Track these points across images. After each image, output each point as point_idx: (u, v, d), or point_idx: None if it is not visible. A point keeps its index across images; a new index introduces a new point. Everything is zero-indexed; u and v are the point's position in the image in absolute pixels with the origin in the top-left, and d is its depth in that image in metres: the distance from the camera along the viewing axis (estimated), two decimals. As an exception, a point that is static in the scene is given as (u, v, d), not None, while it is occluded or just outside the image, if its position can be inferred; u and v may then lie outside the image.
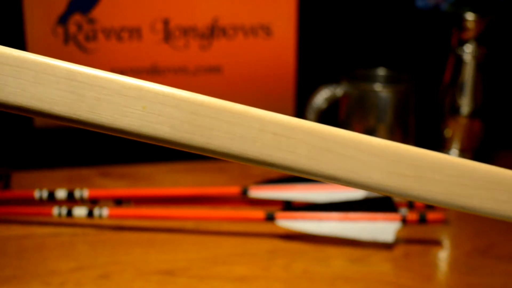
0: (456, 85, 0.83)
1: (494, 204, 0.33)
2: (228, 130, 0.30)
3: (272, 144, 0.31)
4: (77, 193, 0.70)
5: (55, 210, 0.69)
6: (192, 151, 0.30)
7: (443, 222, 0.69)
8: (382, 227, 0.66)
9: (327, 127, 0.31)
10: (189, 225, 0.71)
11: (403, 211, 0.68)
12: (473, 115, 0.83)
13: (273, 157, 0.31)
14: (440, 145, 0.86)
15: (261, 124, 0.31)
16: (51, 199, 0.71)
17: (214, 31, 0.84)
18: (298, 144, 0.31)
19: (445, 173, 0.32)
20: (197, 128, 0.30)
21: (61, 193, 0.71)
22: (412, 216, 0.67)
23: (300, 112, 0.87)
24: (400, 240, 0.69)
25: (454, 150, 0.85)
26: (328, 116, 0.82)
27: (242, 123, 0.30)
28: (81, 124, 0.29)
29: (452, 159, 0.33)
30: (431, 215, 0.67)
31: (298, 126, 0.31)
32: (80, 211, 0.69)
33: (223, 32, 0.84)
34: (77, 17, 0.80)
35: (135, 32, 0.82)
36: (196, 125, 0.30)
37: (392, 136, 0.82)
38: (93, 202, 0.71)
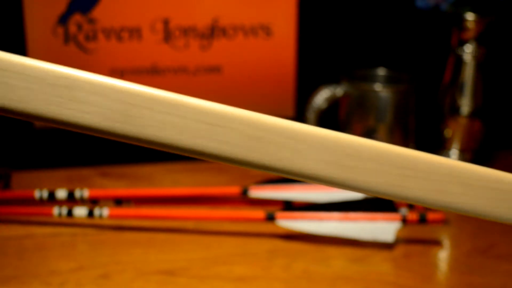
0: (456, 85, 0.83)
1: (437, 195, 0.32)
2: (160, 120, 0.30)
3: (204, 133, 0.30)
4: (77, 193, 0.70)
5: (55, 210, 0.69)
6: (125, 141, 0.30)
7: (443, 222, 0.69)
8: (382, 227, 0.66)
9: (262, 116, 0.30)
10: (189, 225, 0.71)
11: (403, 211, 0.68)
12: (473, 115, 0.83)
13: (206, 146, 0.30)
14: (440, 145, 0.86)
15: (193, 113, 0.30)
16: (51, 199, 0.71)
17: (214, 31, 0.84)
18: (231, 133, 0.30)
19: (385, 163, 0.31)
20: (128, 118, 0.29)
21: (61, 193, 0.71)
22: (412, 216, 0.67)
23: (300, 112, 0.87)
24: (400, 240, 0.69)
25: (454, 150, 0.85)
26: (328, 116, 0.82)
27: (174, 113, 0.30)
28: (11, 113, 0.29)
29: (393, 149, 0.32)
30: (431, 215, 0.67)
31: (230, 115, 0.30)
32: (80, 211, 0.69)
33: (223, 32, 0.84)
34: (77, 17, 0.80)
35: (135, 32, 0.82)
36: (127, 115, 0.29)
37: (392, 136, 0.82)
38: (93, 202, 0.71)
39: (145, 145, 0.30)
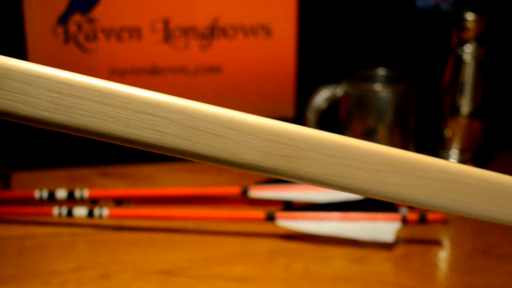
0: (456, 85, 0.83)
1: (379, 186, 0.32)
2: (90, 108, 0.29)
3: (135, 122, 0.30)
4: (77, 193, 0.70)
5: (55, 210, 0.69)
6: (55, 129, 0.30)
7: (443, 222, 0.69)
8: (382, 227, 0.66)
9: (202, 105, 0.30)
10: (189, 225, 0.71)
11: (403, 211, 0.69)
12: (473, 115, 0.83)
13: (137, 135, 0.30)
14: (440, 145, 0.86)
15: (123, 101, 0.29)
16: (51, 199, 0.71)
17: (214, 31, 0.84)
18: (164, 122, 0.30)
19: (325, 153, 0.31)
20: (58, 107, 0.29)
21: (61, 193, 0.71)
22: (412, 216, 0.67)
23: (300, 112, 0.87)
24: (400, 240, 0.69)
25: (454, 150, 0.85)
26: (328, 116, 0.82)
27: (104, 101, 0.29)
28: None
29: (335, 139, 0.31)
30: (431, 215, 0.68)
31: (164, 103, 0.30)
32: (80, 211, 0.69)
33: (223, 32, 0.84)
34: (77, 17, 0.80)
35: (135, 32, 0.82)
36: (56, 103, 0.29)
37: (392, 136, 0.82)
38: (93, 202, 0.71)
39: (76, 134, 0.30)
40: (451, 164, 0.33)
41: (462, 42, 0.81)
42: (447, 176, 0.33)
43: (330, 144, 0.31)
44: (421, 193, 0.32)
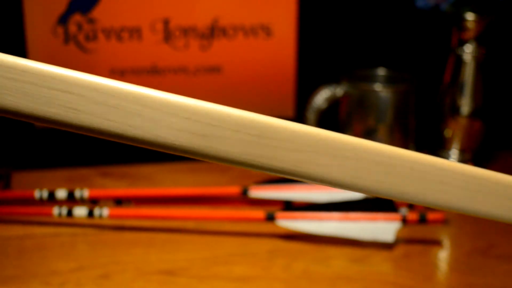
0: (456, 85, 0.83)
1: (304, 166, 0.31)
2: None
3: (47, 99, 0.29)
4: (77, 193, 0.70)
5: (55, 210, 0.69)
6: None
7: (443, 222, 0.69)
8: (382, 227, 0.66)
9: (116, 83, 0.29)
10: (189, 225, 0.71)
11: (403, 211, 0.69)
12: (473, 115, 0.83)
13: (49, 112, 0.29)
14: (440, 145, 0.86)
15: (33, 78, 0.29)
16: (51, 199, 0.71)
17: (214, 31, 0.84)
18: (79, 100, 0.29)
19: (246, 132, 0.30)
20: None
21: (61, 193, 0.71)
22: (412, 216, 0.67)
23: (300, 112, 0.87)
24: (400, 240, 0.69)
25: (454, 150, 0.85)
26: (328, 116, 0.82)
27: (13, 77, 0.28)
28: None
29: (255, 118, 0.30)
30: (431, 215, 0.67)
31: (79, 81, 0.29)
32: (80, 211, 0.69)
33: (223, 32, 0.84)
34: (77, 17, 0.80)
35: (135, 32, 0.82)
36: None
37: (392, 136, 0.82)
38: (93, 202, 0.71)
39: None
40: (381, 145, 0.32)
41: (462, 42, 0.81)
42: (377, 158, 0.32)
43: (251, 123, 0.30)
44: (348, 175, 0.32)
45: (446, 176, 0.33)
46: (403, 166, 0.33)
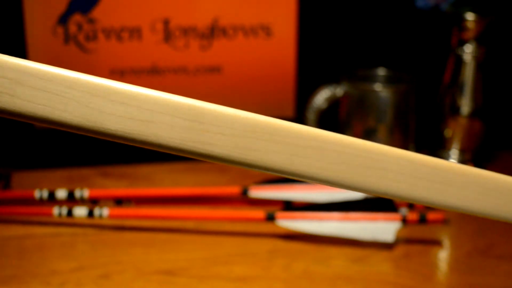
0: (456, 85, 0.83)
1: (241, 152, 0.31)
2: None
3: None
4: (77, 193, 0.70)
5: (55, 210, 0.69)
6: None
7: (443, 222, 0.69)
8: (382, 227, 0.66)
9: (61, 70, 0.29)
10: (189, 225, 0.71)
11: (403, 211, 0.69)
12: (473, 115, 0.83)
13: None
14: (440, 145, 0.86)
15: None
16: (51, 199, 0.71)
17: (214, 31, 0.84)
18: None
19: (180, 117, 0.30)
20: None
21: (61, 193, 0.71)
22: (412, 216, 0.67)
23: (300, 112, 0.87)
24: (400, 240, 0.69)
25: (454, 150, 0.85)
26: (328, 116, 0.82)
27: None
28: None
29: (189, 102, 0.30)
30: (431, 215, 0.68)
31: (21, 67, 0.29)
32: (80, 211, 0.69)
33: (223, 32, 0.84)
34: (77, 17, 0.80)
35: (135, 32, 0.82)
36: None
37: (392, 136, 0.82)
38: (93, 202, 0.71)
39: None
40: (319, 131, 0.32)
41: (462, 42, 0.81)
42: (313, 143, 0.31)
43: (184, 108, 0.30)
44: (285, 161, 0.31)
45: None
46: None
